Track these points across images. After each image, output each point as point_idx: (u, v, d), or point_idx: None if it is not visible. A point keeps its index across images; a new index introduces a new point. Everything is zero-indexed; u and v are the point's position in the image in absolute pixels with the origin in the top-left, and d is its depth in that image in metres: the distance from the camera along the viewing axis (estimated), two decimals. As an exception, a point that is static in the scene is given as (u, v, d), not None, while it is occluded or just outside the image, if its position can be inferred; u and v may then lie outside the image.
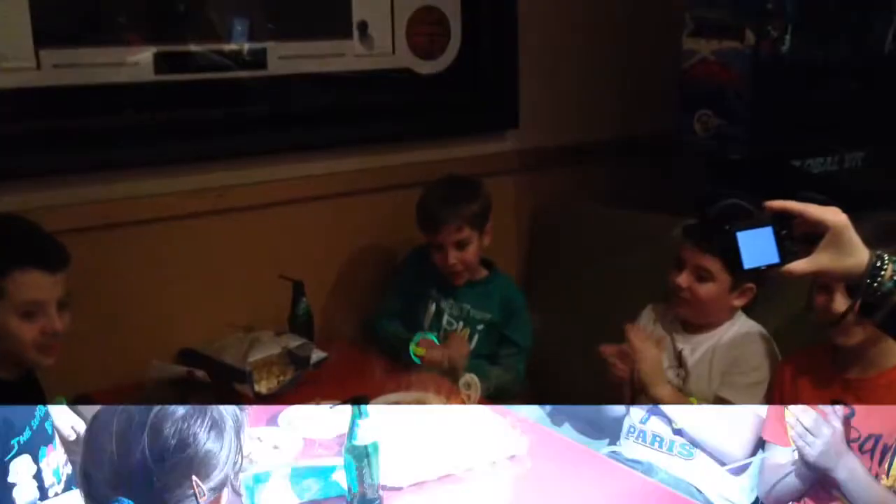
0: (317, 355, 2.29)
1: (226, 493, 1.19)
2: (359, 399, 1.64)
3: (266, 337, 2.27)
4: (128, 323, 2.31)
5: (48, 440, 1.67)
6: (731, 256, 1.33)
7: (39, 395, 1.74)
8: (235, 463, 1.19)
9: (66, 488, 1.69)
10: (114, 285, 2.27)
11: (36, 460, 1.63)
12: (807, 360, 1.98)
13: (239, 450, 1.20)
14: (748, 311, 2.18)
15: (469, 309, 2.46)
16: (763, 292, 2.14)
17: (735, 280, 2.10)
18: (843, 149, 2.48)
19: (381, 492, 1.64)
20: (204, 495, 1.13)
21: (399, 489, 1.67)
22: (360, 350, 2.46)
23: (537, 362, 2.49)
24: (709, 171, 2.54)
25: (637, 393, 2.13)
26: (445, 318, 2.47)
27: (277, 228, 2.47)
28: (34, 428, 1.64)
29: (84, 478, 1.10)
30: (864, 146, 2.49)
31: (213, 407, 1.17)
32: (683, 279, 2.14)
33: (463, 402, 1.88)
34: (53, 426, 1.66)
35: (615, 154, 2.99)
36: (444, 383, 2.04)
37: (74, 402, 2.22)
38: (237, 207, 2.40)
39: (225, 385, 2.18)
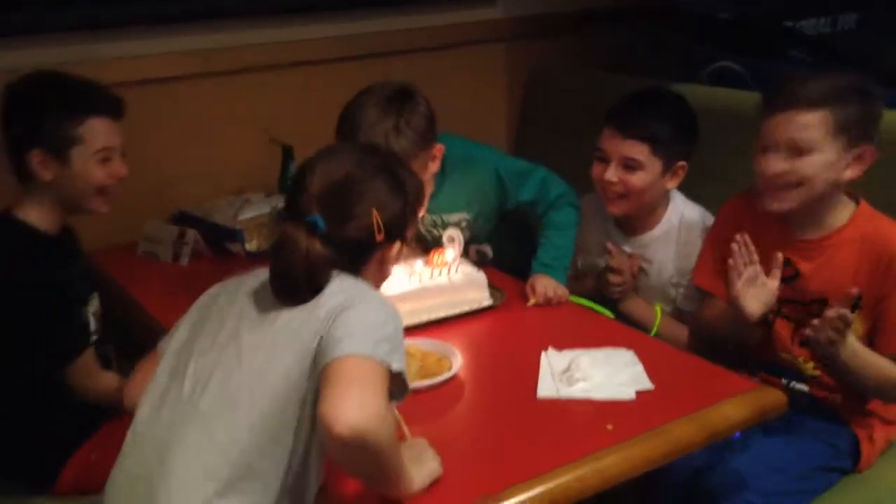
0: (306, 216, 2.32)
1: (399, 246, 1.39)
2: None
3: (256, 198, 2.31)
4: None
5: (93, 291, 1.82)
6: None
7: (78, 249, 1.85)
8: (408, 224, 1.40)
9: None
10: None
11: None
12: (757, 204, 1.81)
13: (410, 216, 1.40)
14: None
15: (441, 216, 2.07)
16: (706, 164, 2.07)
17: (666, 162, 2.00)
18: (836, 10, 2.44)
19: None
20: (381, 231, 1.32)
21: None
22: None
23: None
24: (700, 32, 2.51)
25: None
26: (423, 229, 2.11)
27: (265, 93, 2.48)
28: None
29: (290, 202, 1.36)
30: (858, 8, 2.45)
31: (398, 170, 1.38)
32: (611, 173, 2.00)
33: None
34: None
35: (608, 20, 2.95)
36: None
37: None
38: (225, 71, 2.39)
39: (217, 243, 2.22)
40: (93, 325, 1.79)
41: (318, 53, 2.52)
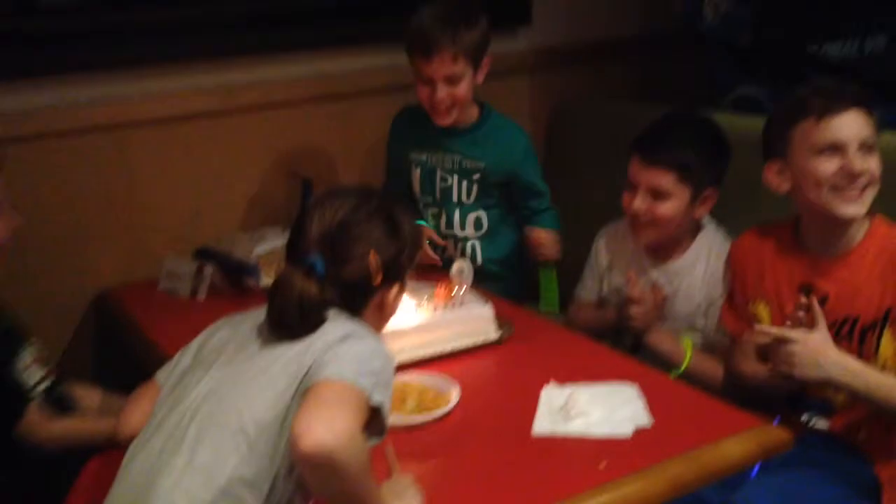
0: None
1: (397, 289, 1.41)
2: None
3: (272, 232, 2.33)
4: (144, 223, 2.39)
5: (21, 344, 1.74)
6: None
7: None
8: (405, 267, 1.42)
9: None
10: (127, 186, 2.35)
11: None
12: (769, 235, 1.81)
13: (408, 259, 1.42)
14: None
15: (460, 159, 2.29)
16: (728, 193, 2.03)
17: (695, 190, 1.97)
18: (863, 32, 2.35)
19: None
20: (378, 274, 1.34)
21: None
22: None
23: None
24: (721, 58, 2.46)
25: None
26: (438, 174, 2.32)
27: (286, 128, 2.50)
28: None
29: (290, 245, 1.39)
30: (888, 28, 2.36)
31: (395, 214, 1.40)
32: (639, 202, 2.00)
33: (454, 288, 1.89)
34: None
35: (632, 50, 2.92)
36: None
37: (98, 298, 2.35)
38: (246, 106, 2.43)
39: (236, 278, 2.24)
40: (35, 375, 1.71)
41: (338, 87, 2.54)
